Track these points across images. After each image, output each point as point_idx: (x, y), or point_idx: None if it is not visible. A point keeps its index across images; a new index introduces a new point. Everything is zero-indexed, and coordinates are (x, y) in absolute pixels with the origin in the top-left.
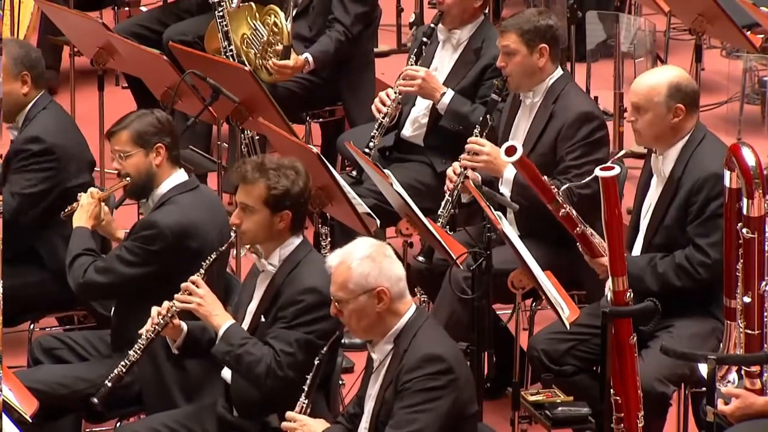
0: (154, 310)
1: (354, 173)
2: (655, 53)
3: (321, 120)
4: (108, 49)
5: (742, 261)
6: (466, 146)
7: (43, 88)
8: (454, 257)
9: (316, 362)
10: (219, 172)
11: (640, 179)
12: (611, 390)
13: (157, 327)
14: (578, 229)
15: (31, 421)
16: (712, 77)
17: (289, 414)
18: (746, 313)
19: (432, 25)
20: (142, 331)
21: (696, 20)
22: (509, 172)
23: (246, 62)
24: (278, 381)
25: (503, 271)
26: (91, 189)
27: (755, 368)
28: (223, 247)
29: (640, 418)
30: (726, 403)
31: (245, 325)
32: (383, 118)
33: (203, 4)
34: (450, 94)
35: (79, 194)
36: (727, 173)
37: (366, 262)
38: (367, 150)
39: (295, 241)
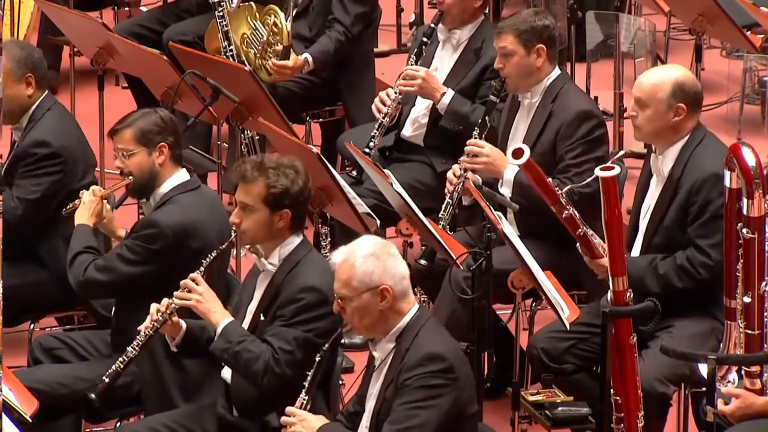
0: (153, 307)
1: (354, 173)
2: (655, 53)
3: (321, 120)
4: (108, 49)
5: (742, 261)
6: (466, 149)
7: (46, 89)
8: (454, 257)
9: (317, 358)
10: (219, 172)
11: (640, 179)
12: (611, 390)
13: (155, 324)
14: (580, 230)
15: (31, 421)
16: (712, 77)
17: (288, 408)
18: (746, 313)
19: (432, 25)
20: (141, 327)
21: (696, 20)
22: (509, 173)
23: (246, 62)
24: (276, 379)
25: (503, 271)
26: (94, 186)
27: (755, 368)
28: (224, 246)
29: (640, 418)
30: (726, 403)
31: (245, 324)
32: (383, 118)
33: (203, 4)
34: (450, 94)
35: (81, 192)
36: (727, 173)
37: (370, 259)
38: (367, 150)
39: (295, 240)
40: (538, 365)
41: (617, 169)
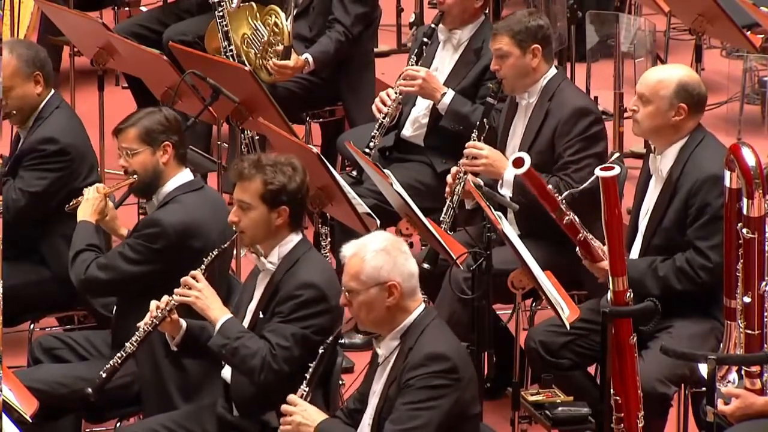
0: (153, 304)
1: (354, 173)
2: (655, 53)
3: (321, 120)
4: (108, 49)
5: (742, 261)
6: (465, 151)
7: (52, 88)
8: (454, 257)
9: (320, 351)
10: (219, 172)
11: (639, 179)
12: (611, 390)
13: (155, 320)
14: (581, 235)
15: (31, 421)
16: (712, 77)
17: (290, 397)
18: (746, 313)
19: (432, 26)
20: (140, 324)
21: (696, 20)
22: (509, 174)
23: (246, 62)
24: (273, 374)
25: (503, 271)
26: (97, 184)
27: (755, 368)
28: (226, 245)
29: (640, 418)
30: (726, 403)
31: (245, 323)
32: (383, 118)
33: (203, 4)
34: (450, 94)
35: (84, 189)
36: (727, 173)
37: (381, 255)
38: (367, 150)
39: (294, 238)
40: (536, 358)
41: (617, 169)
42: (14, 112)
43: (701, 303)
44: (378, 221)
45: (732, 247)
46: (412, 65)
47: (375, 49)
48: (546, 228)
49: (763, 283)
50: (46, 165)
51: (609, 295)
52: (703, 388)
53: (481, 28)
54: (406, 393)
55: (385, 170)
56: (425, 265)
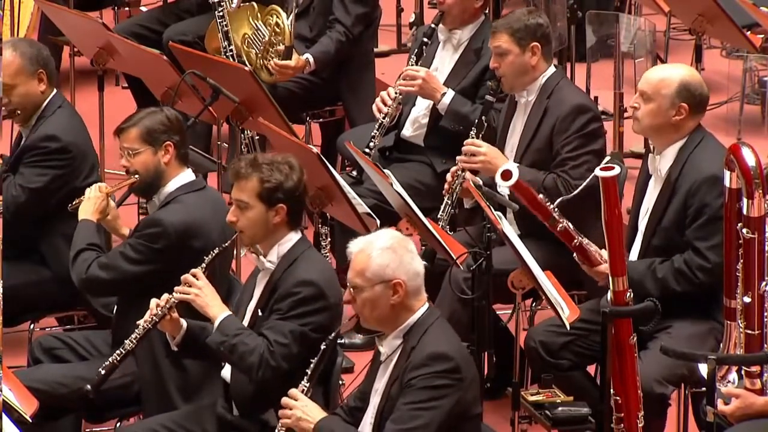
0: (153, 302)
1: (354, 173)
2: (655, 53)
3: (321, 120)
4: (108, 49)
5: (742, 261)
6: (463, 148)
7: (55, 86)
8: (454, 257)
9: (322, 347)
10: (219, 172)
11: (638, 179)
12: (611, 390)
13: (154, 318)
14: (576, 241)
15: (31, 421)
16: (712, 77)
17: (292, 391)
18: (746, 313)
19: (432, 25)
20: (140, 321)
21: (696, 20)
22: None
23: (247, 62)
24: (271, 371)
25: (503, 271)
26: (99, 183)
27: (755, 368)
28: (227, 243)
29: (640, 418)
30: (726, 403)
31: (245, 322)
32: (383, 118)
33: (203, 4)
34: (450, 94)
35: (86, 189)
36: (727, 173)
37: (387, 252)
38: (367, 150)
39: (293, 237)
40: (536, 358)
41: (617, 169)
42: (18, 111)
43: (700, 303)
44: (378, 221)
45: (732, 247)
46: (412, 65)
47: (375, 49)
48: (546, 228)
49: (763, 283)
50: (47, 162)
51: (609, 295)
52: (703, 388)
53: (481, 28)
54: (408, 392)
55: (385, 170)
56: (423, 263)
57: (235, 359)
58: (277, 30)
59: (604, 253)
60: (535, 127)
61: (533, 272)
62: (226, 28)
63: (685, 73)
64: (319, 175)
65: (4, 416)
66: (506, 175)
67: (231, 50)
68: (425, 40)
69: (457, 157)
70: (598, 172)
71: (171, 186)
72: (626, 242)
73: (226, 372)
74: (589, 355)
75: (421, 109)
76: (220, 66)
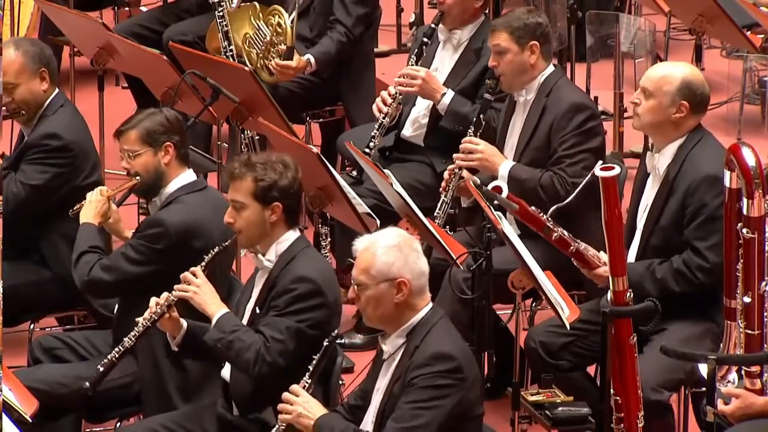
0: (153, 300)
1: (354, 173)
2: (655, 53)
3: (321, 120)
4: (108, 49)
5: (742, 261)
6: (461, 146)
7: (57, 86)
8: (454, 257)
9: (325, 344)
10: (219, 172)
11: (636, 178)
12: (611, 390)
13: (153, 316)
14: (572, 248)
15: (31, 421)
16: (712, 77)
17: (294, 387)
18: (746, 313)
19: (432, 26)
20: (139, 319)
21: (696, 20)
22: (504, 169)
23: (247, 62)
24: (267, 367)
25: (503, 271)
26: (101, 187)
27: (755, 368)
28: (227, 243)
29: (640, 418)
30: (726, 403)
31: (244, 320)
32: (384, 118)
33: (203, 4)
34: (450, 94)
35: (87, 193)
36: (727, 173)
37: (392, 251)
38: (367, 150)
39: (292, 236)
40: (536, 359)
41: (617, 169)
42: (23, 111)
43: (699, 304)
44: (378, 221)
45: (732, 247)
46: (412, 65)
47: (375, 49)
48: None
49: (763, 283)
50: (49, 160)
51: (609, 295)
52: (703, 388)
53: (481, 28)
54: (410, 392)
55: (385, 170)
56: None
57: (232, 356)
58: (279, 30)
59: (602, 256)
60: (533, 126)
61: (533, 272)
62: (226, 28)
63: (687, 72)
64: (319, 175)
65: (4, 416)
66: (496, 191)
67: (231, 50)
68: (425, 40)
69: (454, 155)
70: (598, 172)
71: (172, 186)
72: (624, 242)
73: (226, 371)
74: (589, 355)
75: (421, 109)
76: (220, 66)
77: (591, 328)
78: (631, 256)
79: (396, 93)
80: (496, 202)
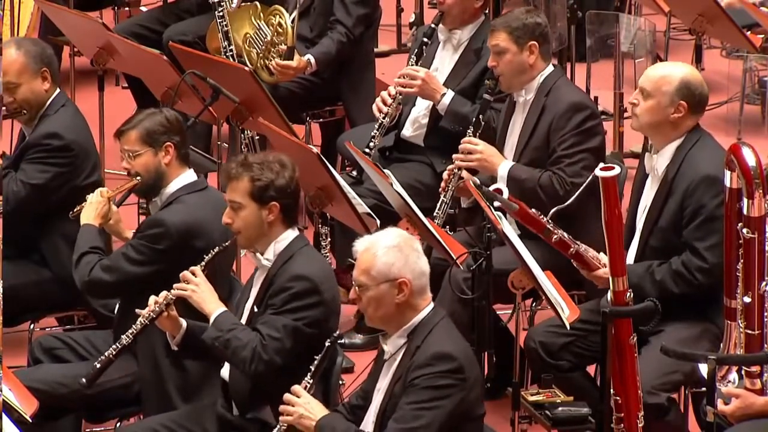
0: (152, 299)
1: (354, 173)
2: (655, 53)
3: (321, 120)
4: (108, 49)
5: (742, 261)
6: (460, 146)
7: (58, 86)
8: (454, 257)
9: (327, 344)
10: (219, 172)
11: (635, 179)
12: (611, 390)
13: (152, 314)
14: (572, 249)
15: (31, 421)
16: (712, 77)
17: (295, 388)
18: (746, 313)
19: (432, 26)
20: (139, 311)
21: (696, 20)
22: (503, 169)
23: (248, 62)
24: (264, 365)
25: (503, 271)
26: (101, 188)
27: (755, 368)
28: (227, 243)
29: (640, 418)
30: (726, 403)
31: (243, 319)
32: (384, 118)
33: (203, 4)
34: (450, 94)
35: (88, 195)
36: (727, 173)
37: (393, 251)
38: (367, 150)
39: (290, 235)
40: (536, 359)
41: (617, 169)
42: (24, 111)
43: (696, 305)
44: (378, 221)
45: (732, 247)
46: (412, 65)
47: (375, 49)
48: None
49: (763, 283)
50: (49, 159)
51: (609, 295)
52: (703, 388)
53: (481, 28)
54: (411, 392)
55: (385, 170)
56: None
57: (229, 354)
58: (280, 30)
59: (602, 257)
60: (533, 126)
61: (533, 272)
62: (226, 28)
63: (686, 72)
64: (319, 175)
65: (4, 416)
66: (496, 192)
67: (231, 50)
68: (425, 40)
69: (454, 156)
70: (598, 172)
71: (173, 186)
72: (624, 242)
73: (225, 371)
74: (589, 355)
75: (421, 109)
76: (221, 66)
77: (591, 328)
78: (631, 256)
79: (396, 93)
80: (496, 203)
